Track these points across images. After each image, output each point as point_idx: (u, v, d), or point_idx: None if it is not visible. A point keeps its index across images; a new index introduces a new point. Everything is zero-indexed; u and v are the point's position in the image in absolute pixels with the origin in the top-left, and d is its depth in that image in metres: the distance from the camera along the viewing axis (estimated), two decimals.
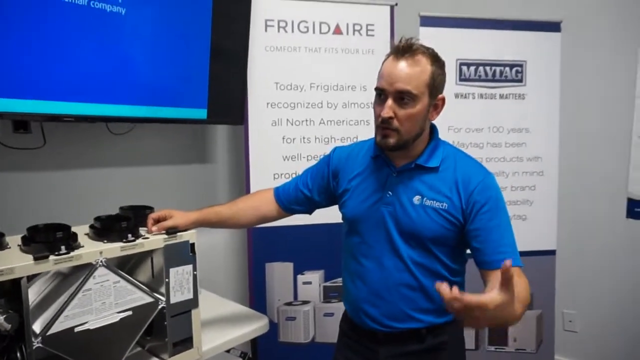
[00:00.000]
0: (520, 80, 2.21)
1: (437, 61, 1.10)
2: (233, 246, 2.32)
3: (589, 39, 2.29)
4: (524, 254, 2.11)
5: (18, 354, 1.00)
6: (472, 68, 2.19)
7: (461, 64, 2.19)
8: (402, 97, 1.07)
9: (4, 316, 0.96)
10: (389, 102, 1.08)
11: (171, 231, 1.22)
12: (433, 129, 1.19)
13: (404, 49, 1.08)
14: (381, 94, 1.11)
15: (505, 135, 2.20)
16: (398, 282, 1.16)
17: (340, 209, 1.28)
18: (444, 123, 2.18)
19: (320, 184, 1.33)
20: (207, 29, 1.82)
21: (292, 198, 1.36)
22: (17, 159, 1.59)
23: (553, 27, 2.20)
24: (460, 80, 2.19)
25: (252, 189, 2.00)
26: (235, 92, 1.94)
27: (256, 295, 2.04)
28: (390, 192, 1.16)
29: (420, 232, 1.13)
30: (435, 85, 1.10)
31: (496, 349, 2.19)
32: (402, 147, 1.12)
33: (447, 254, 1.16)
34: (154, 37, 1.68)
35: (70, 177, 1.73)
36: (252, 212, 1.38)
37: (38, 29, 1.40)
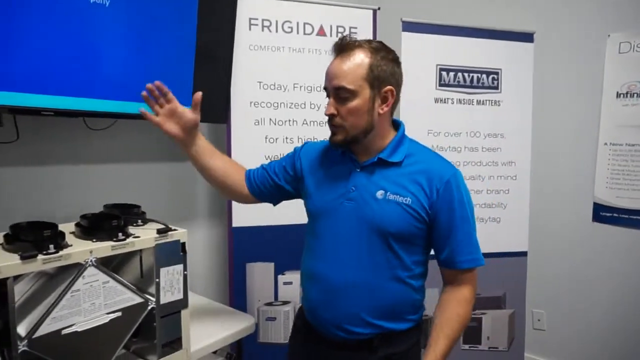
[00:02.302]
0: (496, 87, 2.29)
1: (377, 53, 1.09)
2: (213, 245, 2.28)
3: (560, 50, 2.41)
4: (497, 255, 2.24)
5: (1, 358, 0.95)
6: (452, 74, 2.25)
7: (441, 70, 2.24)
8: (340, 93, 1.08)
9: None
10: (330, 99, 1.11)
11: (162, 230, 1.19)
12: (399, 126, 1.19)
13: (340, 47, 1.10)
14: (326, 93, 1.13)
15: (482, 140, 2.27)
16: (354, 282, 1.12)
17: (305, 203, 1.27)
18: (423, 127, 2.27)
19: (286, 173, 1.30)
20: (193, 26, 1.78)
21: (259, 177, 1.31)
22: None
23: (527, 37, 2.29)
24: (440, 85, 2.24)
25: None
26: (219, 90, 1.91)
27: (236, 296, 2.01)
28: (353, 187, 1.14)
29: (384, 226, 1.10)
30: (377, 77, 1.08)
31: (470, 347, 2.26)
32: (351, 142, 1.12)
33: (409, 254, 1.13)
34: (138, 31, 1.63)
35: (45, 173, 1.66)
36: (223, 171, 1.29)
37: (16, 17, 1.33)
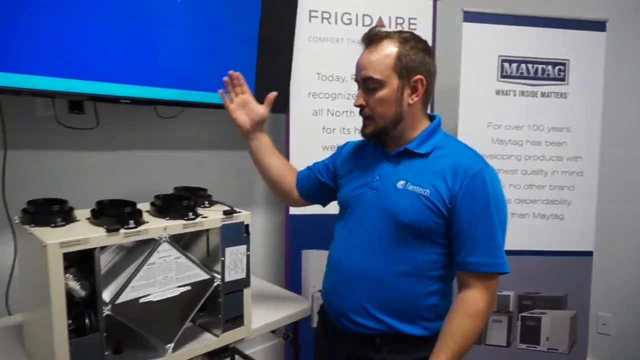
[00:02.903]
0: (563, 79, 2.19)
1: (407, 42, 1.08)
2: (271, 231, 2.36)
3: (635, 39, 2.26)
4: (559, 253, 2.15)
5: (87, 321, 1.05)
6: (514, 65, 2.18)
7: (503, 61, 2.18)
8: (368, 84, 1.09)
9: (79, 284, 1.01)
10: (359, 91, 1.12)
11: (228, 212, 1.25)
12: (434, 119, 1.17)
13: (368, 39, 1.10)
14: (357, 85, 1.14)
15: (546, 133, 2.18)
16: (362, 269, 1.10)
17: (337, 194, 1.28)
18: (483, 119, 2.22)
19: (329, 170, 1.32)
20: (256, 20, 1.85)
21: (306, 177, 1.35)
22: (72, 138, 1.65)
23: (598, 26, 2.17)
24: (502, 77, 2.18)
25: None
26: (280, 81, 1.97)
27: (292, 281, 2.07)
28: (378, 177, 1.14)
29: (398, 216, 1.07)
30: (406, 67, 1.07)
31: (527, 347, 2.19)
32: (381, 134, 1.12)
33: (426, 252, 1.08)
34: (206, 25, 1.72)
35: (121, 157, 1.79)
36: (279, 171, 1.35)
37: (100, 12, 1.45)
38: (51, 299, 0.95)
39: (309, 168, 1.37)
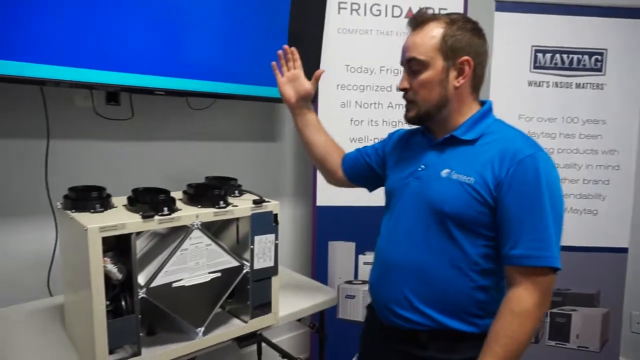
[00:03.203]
0: (600, 70, 2.12)
1: (454, 23, 1.04)
2: (298, 222, 2.39)
3: None
4: (592, 249, 2.10)
5: (123, 303, 1.10)
6: (548, 55, 2.13)
7: (536, 51, 2.13)
8: (411, 66, 1.05)
9: (116, 267, 1.06)
10: (403, 74, 1.09)
11: (257, 201, 1.28)
12: (484, 104, 1.11)
13: (414, 22, 1.07)
14: (404, 71, 1.10)
15: (580, 126, 2.12)
16: (406, 261, 1.06)
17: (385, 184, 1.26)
18: (514, 111, 2.18)
19: (377, 156, 1.30)
20: (286, 12, 1.87)
21: (353, 159, 1.34)
22: (109, 129, 1.71)
23: (637, 13, 2.09)
24: (535, 67, 2.13)
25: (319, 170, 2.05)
26: (309, 73, 1.98)
27: (319, 271, 2.10)
28: (423, 165, 1.10)
29: (440, 206, 1.02)
30: (451, 47, 1.02)
31: (557, 344, 2.15)
32: (425, 119, 1.09)
33: (473, 244, 1.01)
34: (237, 18, 1.74)
35: (155, 148, 1.85)
36: (324, 149, 1.36)
37: (137, 7, 1.49)
38: (91, 280, 1.00)
39: (357, 150, 1.35)
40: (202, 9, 1.64)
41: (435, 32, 1.03)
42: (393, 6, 2.10)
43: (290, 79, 1.33)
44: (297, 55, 1.33)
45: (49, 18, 1.33)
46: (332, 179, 1.41)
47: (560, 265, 0.96)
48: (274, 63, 1.33)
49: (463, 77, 1.05)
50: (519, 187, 0.96)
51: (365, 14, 2.09)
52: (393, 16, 2.11)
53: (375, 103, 2.12)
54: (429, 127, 1.13)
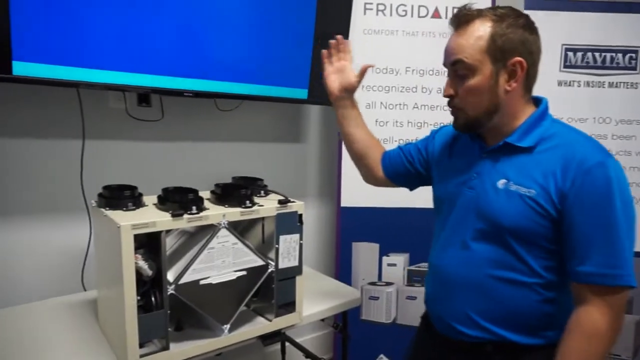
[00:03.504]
0: (634, 68, 2.06)
1: (503, 20, 0.94)
2: (323, 223, 2.41)
3: None
4: None
5: (153, 298, 1.13)
6: (579, 54, 2.08)
7: (567, 50, 2.08)
8: (457, 70, 0.97)
9: (147, 263, 1.10)
10: (447, 79, 1.01)
11: (282, 201, 1.30)
12: (540, 104, 1.02)
13: (457, 20, 0.98)
14: (448, 75, 1.03)
15: (613, 126, 2.07)
16: (465, 280, 1.01)
17: (432, 190, 1.20)
18: None
19: (420, 155, 1.24)
20: (312, 13, 1.88)
21: (394, 157, 1.28)
22: (140, 129, 1.77)
23: None
24: (565, 67, 2.08)
25: (344, 170, 2.06)
26: None
27: (342, 272, 2.11)
28: (475, 174, 1.03)
29: (498, 220, 0.96)
30: (501, 48, 0.93)
31: None
32: (475, 126, 1.01)
33: (535, 257, 0.96)
34: (264, 21, 1.77)
35: (184, 148, 1.89)
36: (364, 145, 1.31)
37: (166, 12, 1.53)
38: (123, 276, 1.04)
39: (399, 148, 1.29)
40: (230, 12, 1.68)
41: (482, 31, 0.94)
42: (419, 6, 2.09)
43: (338, 69, 1.28)
44: (348, 47, 1.28)
45: (86, 24, 1.39)
46: (371, 178, 1.34)
47: (636, 283, 0.89)
48: (324, 52, 1.29)
49: (515, 80, 0.96)
50: (587, 199, 0.89)
51: (391, 15, 2.09)
52: (419, 16, 2.10)
53: (400, 104, 2.11)
54: (480, 132, 1.06)
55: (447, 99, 1.03)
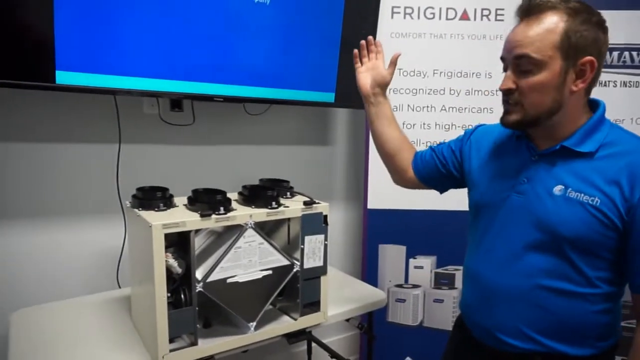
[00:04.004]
0: None
1: (577, 15, 0.88)
2: (349, 225, 2.42)
3: None
4: None
5: (182, 296, 1.18)
6: (615, 54, 2.01)
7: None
8: (521, 64, 0.91)
9: (177, 262, 1.14)
10: (508, 72, 0.95)
11: (308, 202, 1.33)
12: (598, 107, 0.97)
13: (526, 9, 0.92)
14: (504, 65, 0.97)
15: None
16: (515, 291, 0.97)
17: (468, 194, 1.15)
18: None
19: (454, 157, 1.19)
20: (339, 18, 1.91)
21: (426, 158, 1.24)
22: (173, 133, 1.83)
23: None
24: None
25: (371, 173, 2.07)
26: None
27: (369, 274, 2.11)
28: (525, 179, 0.97)
29: (556, 229, 0.91)
30: (575, 46, 0.88)
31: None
32: (529, 125, 0.95)
33: (592, 267, 0.92)
34: (292, 27, 1.81)
35: (214, 151, 1.95)
36: (396, 145, 1.27)
37: (198, 22, 1.59)
38: (154, 273, 1.09)
39: (430, 149, 1.25)
40: (258, 20, 1.72)
41: (554, 25, 0.88)
42: (447, 9, 2.08)
43: (369, 67, 1.28)
44: (380, 48, 1.29)
45: (123, 35, 1.46)
46: (401, 179, 1.30)
47: None
48: (355, 51, 1.29)
49: (582, 80, 0.90)
50: None
51: (418, 18, 2.09)
52: (447, 19, 2.09)
53: (427, 106, 2.11)
54: (529, 133, 1.00)
55: (502, 93, 0.97)
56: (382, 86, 1.26)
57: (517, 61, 0.92)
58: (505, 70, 0.97)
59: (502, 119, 0.99)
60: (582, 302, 0.93)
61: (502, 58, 0.98)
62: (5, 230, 1.56)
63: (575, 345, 0.95)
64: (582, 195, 0.90)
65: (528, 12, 0.92)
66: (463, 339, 1.13)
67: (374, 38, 1.99)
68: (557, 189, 0.93)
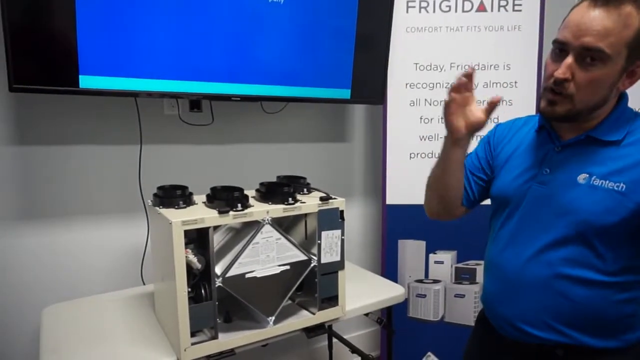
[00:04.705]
0: None
1: None
2: (368, 220, 2.43)
3: None
4: None
5: (202, 291, 1.21)
6: None
7: None
8: (588, 56, 0.85)
9: (197, 258, 1.17)
10: (569, 59, 0.86)
11: (324, 198, 1.34)
12: (621, 97, 0.95)
13: None
14: (561, 49, 0.88)
15: None
16: (537, 280, 0.96)
17: (491, 185, 1.13)
18: None
19: (489, 166, 1.14)
20: (354, 14, 1.91)
21: (472, 189, 1.16)
22: (192, 133, 1.87)
23: None
24: None
25: (389, 168, 2.07)
26: (377, 74, 2.01)
27: (388, 269, 2.12)
28: (547, 169, 0.97)
29: (582, 216, 0.90)
30: (639, 45, 0.85)
31: None
32: (572, 118, 0.92)
33: (617, 256, 0.90)
34: (307, 25, 1.82)
35: (232, 149, 1.99)
36: (457, 188, 1.14)
37: (216, 24, 1.62)
38: (175, 269, 1.12)
39: (468, 171, 1.16)
40: (275, 18, 1.74)
41: (632, 20, 0.83)
42: (463, 1, 2.06)
43: (461, 103, 1.03)
44: (473, 77, 1.02)
45: (143, 39, 1.50)
46: (448, 215, 1.22)
47: None
48: (452, 86, 1.03)
49: (631, 81, 0.89)
50: None
51: (434, 11, 2.07)
52: (463, 11, 2.06)
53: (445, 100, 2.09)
54: (554, 124, 0.99)
55: (552, 81, 0.89)
56: (477, 129, 1.04)
57: (583, 51, 0.85)
58: (558, 53, 0.89)
59: (544, 109, 0.93)
60: (605, 291, 0.92)
61: (560, 42, 0.89)
62: (35, 230, 1.63)
63: (599, 337, 0.93)
64: (607, 182, 0.88)
65: None
66: (485, 333, 1.12)
67: (389, 33, 2.01)
68: (582, 178, 0.92)
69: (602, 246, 0.90)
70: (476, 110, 1.03)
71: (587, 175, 0.91)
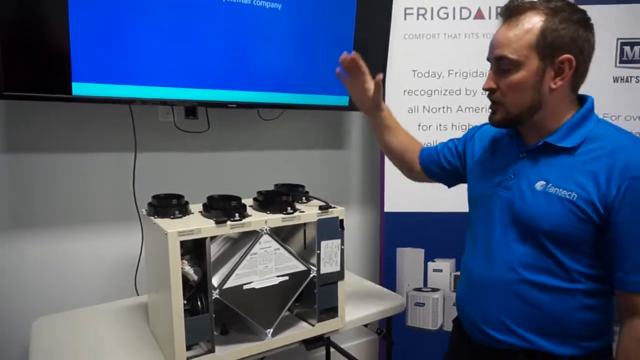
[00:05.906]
0: None
1: (557, 14, 0.90)
2: (366, 228, 2.40)
3: None
4: None
5: (198, 303, 1.18)
6: (637, 48, 1.96)
7: (622, 44, 1.97)
8: (502, 65, 0.94)
9: (193, 269, 1.14)
10: (490, 72, 0.99)
11: (323, 207, 1.31)
12: (586, 102, 0.97)
13: (508, 11, 0.94)
14: (491, 67, 1.00)
15: None
16: (499, 283, 0.99)
17: (467, 188, 1.19)
18: (599, 109, 1.99)
19: (457, 152, 1.24)
20: (351, 22, 1.90)
21: (431, 154, 1.30)
22: (188, 141, 1.85)
23: None
24: (621, 62, 1.97)
25: (387, 176, 2.05)
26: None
27: (387, 278, 2.09)
28: (512, 175, 1.01)
29: (535, 223, 0.94)
30: (551, 44, 0.90)
31: None
32: (513, 123, 0.99)
33: (574, 261, 0.93)
34: (304, 32, 1.81)
35: (229, 157, 1.96)
36: (401, 149, 1.33)
37: (210, 31, 1.60)
38: (170, 280, 1.09)
39: (435, 148, 1.30)
40: (272, 26, 1.72)
41: (532, 25, 0.91)
42: (461, 8, 2.06)
43: (357, 86, 1.24)
44: (359, 61, 1.19)
45: (137, 46, 1.48)
46: (410, 174, 1.37)
47: None
48: (337, 72, 1.25)
49: (561, 78, 0.92)
50: (632, 207, 0.86)
51: (432, 18, 2.07)
52: (461, 18, 2.06)
53: (443, 107, 2.08)
54: (519, 130, 1.03)
55: (487, 93, 1.01)
56: (376, 104, 1.27)
57: (497, 62, 0.96)
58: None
59: (489, 119, 1.03)
60: (565, 297, 0.94)
61: (487, 59, 1.01)
62: (27, 239, 1.59)
63: (560, 344, 0.95)
64: (561, 190, 0.92)
65: (509, 13, 0.95)
66: (457, 334, 1.17)
67: (387, 40, 1.99)
68: (539, 185, 0.96)
69: (560, 253, 0.93)
70: (370, 90, 1.22)
71: (544, 183, 0.95)
